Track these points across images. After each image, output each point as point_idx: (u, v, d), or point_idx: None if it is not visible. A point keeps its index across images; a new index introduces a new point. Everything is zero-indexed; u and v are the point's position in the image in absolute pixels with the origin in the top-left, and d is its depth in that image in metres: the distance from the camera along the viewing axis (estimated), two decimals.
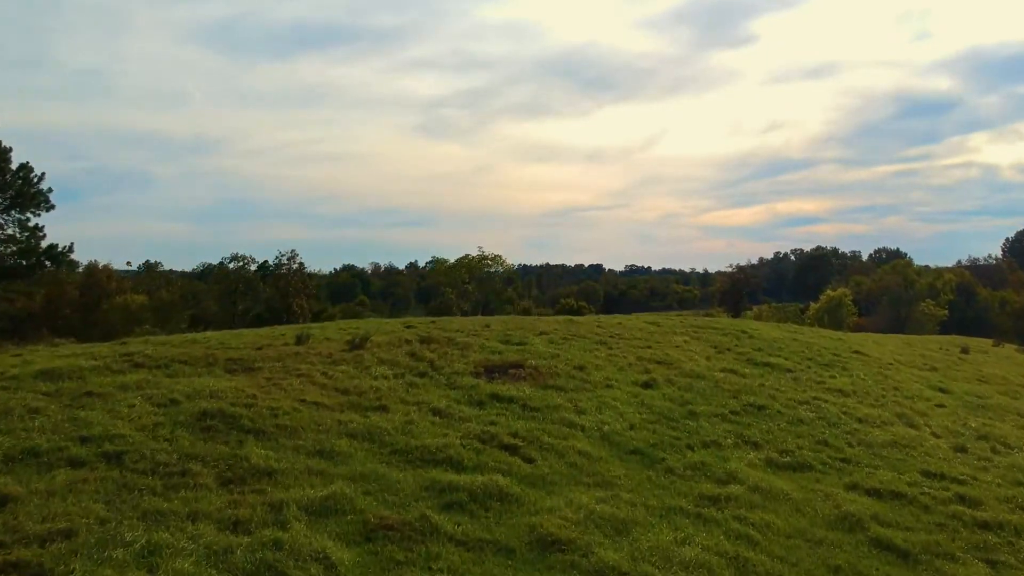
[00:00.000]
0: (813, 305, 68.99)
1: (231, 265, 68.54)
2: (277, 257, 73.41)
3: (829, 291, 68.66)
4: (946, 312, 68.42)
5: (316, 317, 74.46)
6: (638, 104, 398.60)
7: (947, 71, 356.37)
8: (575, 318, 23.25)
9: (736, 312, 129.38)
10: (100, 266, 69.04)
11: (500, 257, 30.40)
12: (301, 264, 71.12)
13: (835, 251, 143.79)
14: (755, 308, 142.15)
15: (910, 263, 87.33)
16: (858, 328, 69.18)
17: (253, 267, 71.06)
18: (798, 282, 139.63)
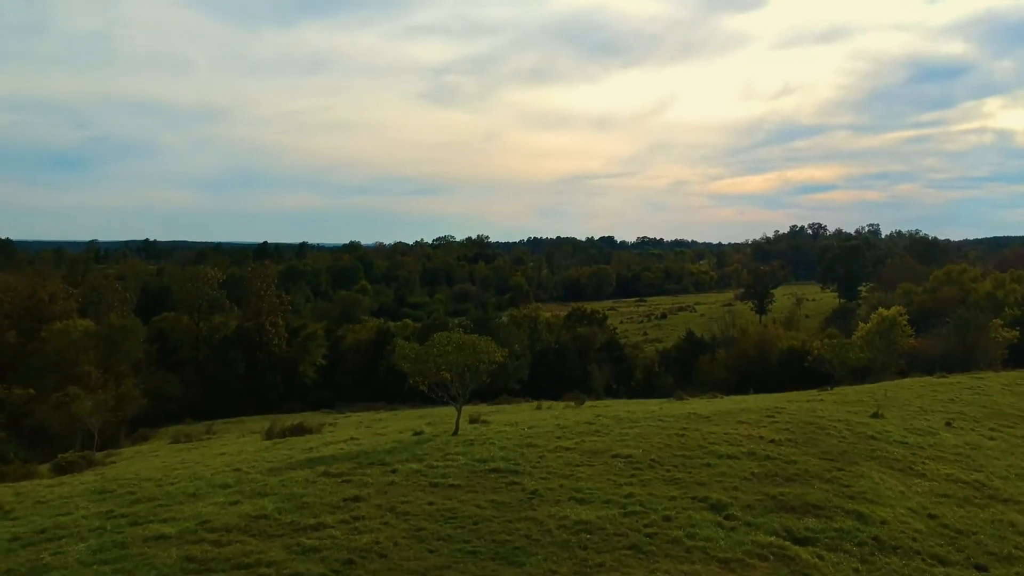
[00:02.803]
0: (863, 326, 59.81)
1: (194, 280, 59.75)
2: (251, 266, 64.93)
3: (882, 310, 59.33)
4: (1016, 334, 59.10)
5: (294, 335, 65.99)
6: (647, 69, 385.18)
7: (961, 34, 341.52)
8: (588, 521, 14.30)
9: (761, 307, 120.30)
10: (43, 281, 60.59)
11: (492, 345, 21.49)
12: (276, 276, 62.43)
13: (867, 241, 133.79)
14: (778, 293, 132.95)
15: (965, 269, 77.76)
16: (915, 353, 59.94)
17: (250, 260, 62.89)
18: (828, 273, 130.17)
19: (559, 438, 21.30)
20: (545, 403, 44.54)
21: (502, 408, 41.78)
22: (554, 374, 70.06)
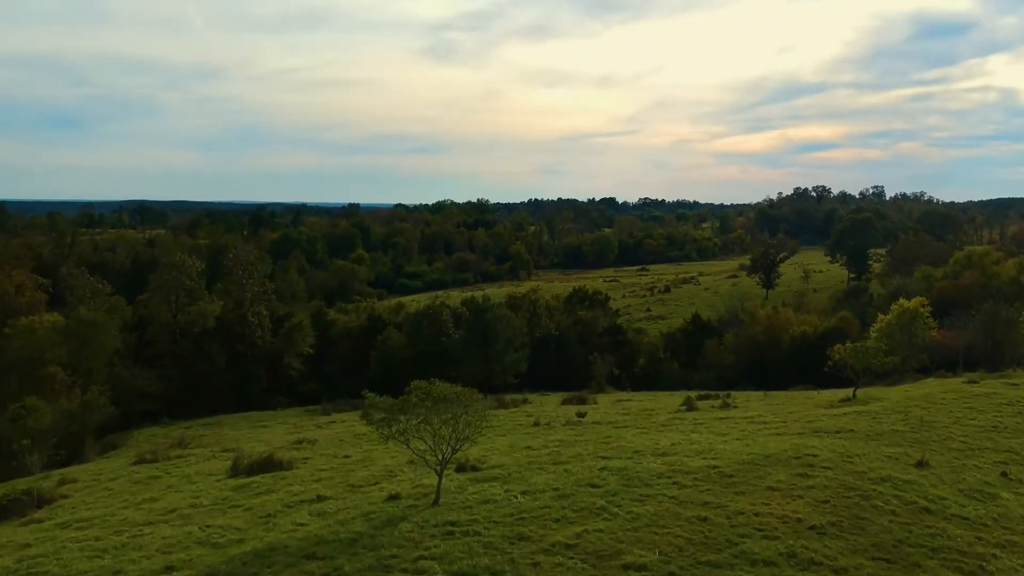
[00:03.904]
0: (882, 317, 56.24)
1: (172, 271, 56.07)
2: (232, 253, 61.43)
3: (903, 300, 55.76)
4: None
5: (279, 325, 62.53)
6: (648, 24, 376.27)
7: None
8: None
9: (768, 281, 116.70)
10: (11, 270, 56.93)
11: (477, 399, 18.21)
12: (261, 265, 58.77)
13: (876, 211, 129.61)
14: (785, 268, 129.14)
15: (988, 252, 73.97)
16: (938, 347, 56.29)
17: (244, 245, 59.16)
18: (837, 246, 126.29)
19: (557, 521, 17.90)
20: (544, 415, 41.21)
21: (496, 422, 38.38)
22: (554, 363, 66.71)
